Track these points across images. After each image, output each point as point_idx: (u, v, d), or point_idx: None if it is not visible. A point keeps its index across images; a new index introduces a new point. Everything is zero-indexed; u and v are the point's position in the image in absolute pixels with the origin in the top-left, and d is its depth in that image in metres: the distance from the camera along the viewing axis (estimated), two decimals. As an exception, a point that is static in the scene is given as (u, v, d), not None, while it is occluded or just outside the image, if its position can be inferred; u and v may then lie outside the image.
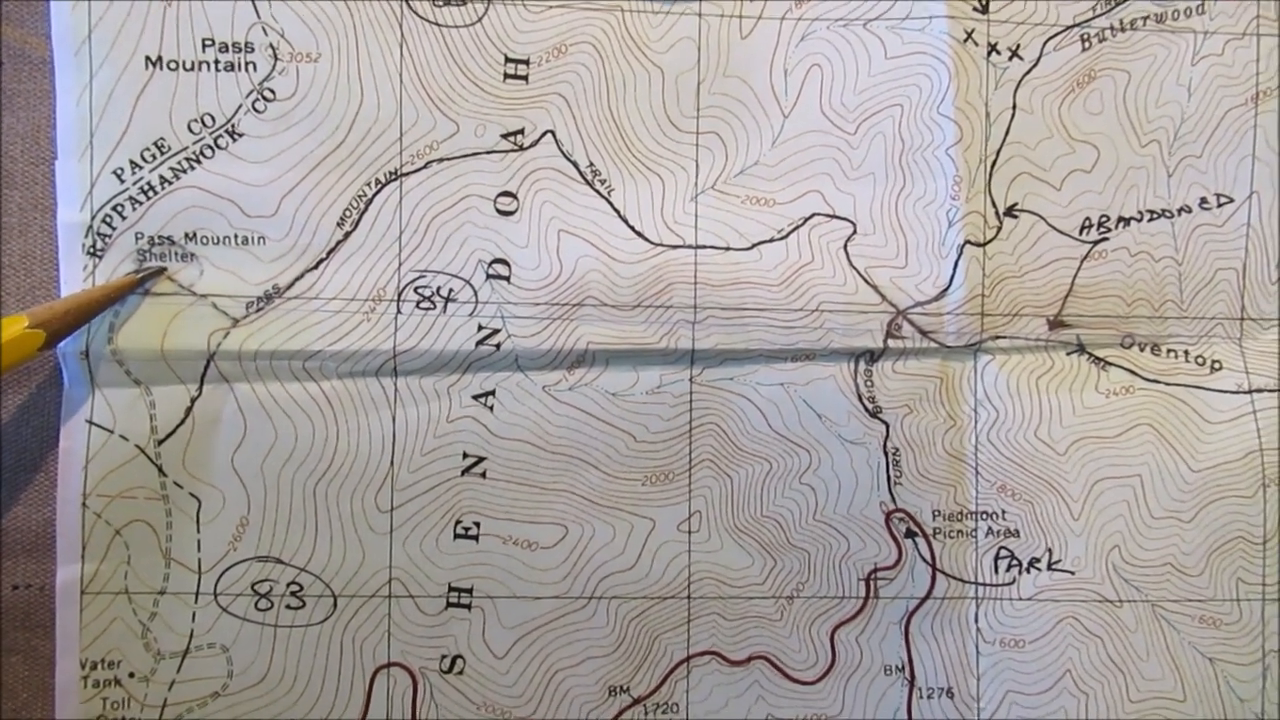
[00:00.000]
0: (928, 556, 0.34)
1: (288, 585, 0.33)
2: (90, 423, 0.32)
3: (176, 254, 0.31)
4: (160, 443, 0.32)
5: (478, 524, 0.33)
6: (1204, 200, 0.35)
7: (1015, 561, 0.34)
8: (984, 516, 0.34)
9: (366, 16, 0.32)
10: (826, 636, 0.34)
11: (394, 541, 0.33)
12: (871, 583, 0.34)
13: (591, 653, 0.33)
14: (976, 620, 0.34)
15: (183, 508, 0.32)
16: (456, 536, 0.33)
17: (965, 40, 0.34)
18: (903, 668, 0.34)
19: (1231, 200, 0.35)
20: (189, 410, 0.32)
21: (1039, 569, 0.34)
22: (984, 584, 0.34)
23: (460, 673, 0.33)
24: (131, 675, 0.32)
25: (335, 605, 0.33)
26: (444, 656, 0.33)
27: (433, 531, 0.33)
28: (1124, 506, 0.34)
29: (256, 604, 0.33)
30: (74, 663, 0.32)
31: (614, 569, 0.33)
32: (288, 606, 0.33)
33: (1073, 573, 0.34)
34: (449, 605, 0.33)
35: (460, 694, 0.33)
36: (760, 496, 0.34)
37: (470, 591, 0.33)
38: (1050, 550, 0.34)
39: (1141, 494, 0.34)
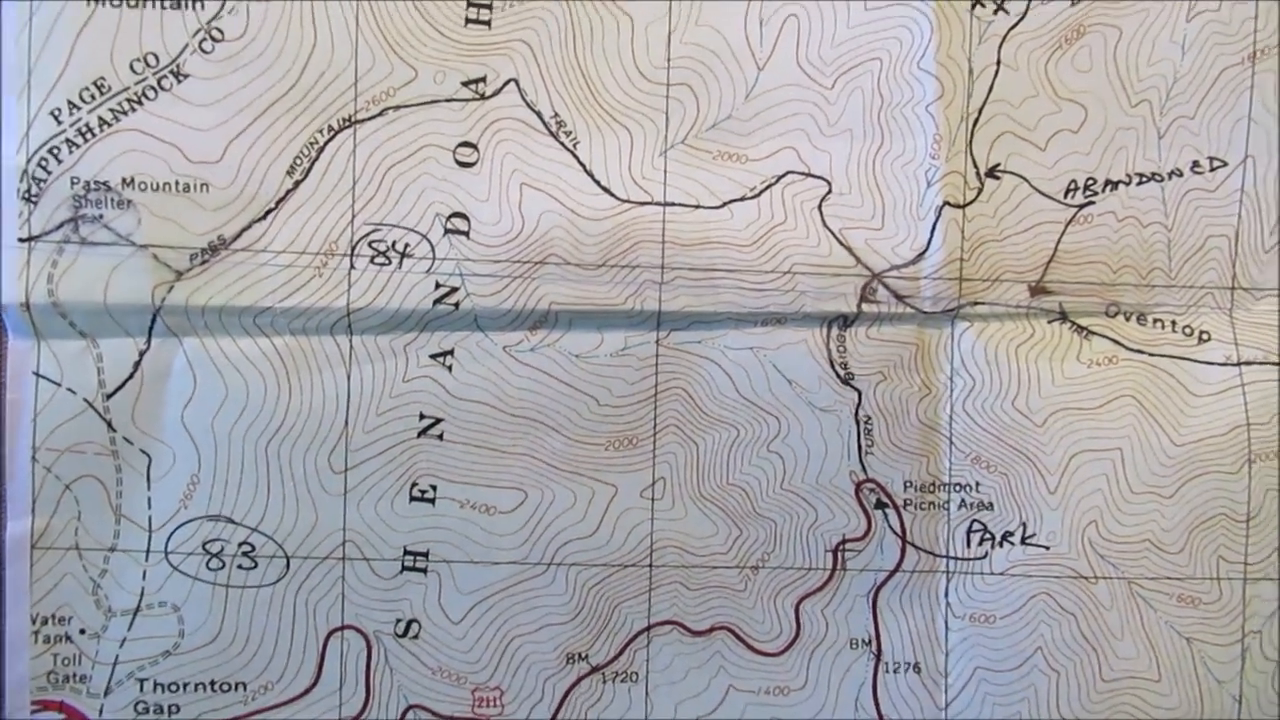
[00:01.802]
0: (898, 528, 0.31)
1: (239, 545, 0.30)
2: (37, 374, 0.29)
3: (113, 200, 0.28)
4: (109, 396, 0.29)
5: (434, 487, 0.30)
6: (1196, 164, 0.31)
7: (988, 535, 0.31)
8: (957, 488, 0.31)
9: (321, -45, 0.29)
10: (791, 608, 0.31)
11: (348, 503, 0.30)
12: (839, 554, 0.31)
13: (550, 620, 0.30)
14: (946, 595, 0.31)
15: (132, 464, 0.29)
16: (412, 499, 0.30)
17: (950, -10, 0.30)
18: (869, 641, 0.31)
19: (1225, 164, 0.31)
20: (137, 364, 0.29)
21: (1012, 543, 0.31)
22: (955, 558, 0.31)
23: (415, 637, 0.30)
24: (82, 632, 0.30)
25: (288, 566, 0.30)
26: (399, 620, 0.30)
27: (388, 493, 0.30)
28: (1103, 480, 0.31)
29: (208, 563, 0.30)
30: (24, 618, 0.30)
31: (574, 535, 0.30)
32: (239, 567, 0.30)
33: (1047, 548, 0.31)
34: (404, 569, 0.30)
35: (415, 658, 0.30)
36: (726, 464, 0.31)
37: (426, 555, 0.30)
38: (1024, 524, 0.31)
39: (1121, 468, 0.31)
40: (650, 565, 0.31)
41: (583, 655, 0.31)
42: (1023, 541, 0.31)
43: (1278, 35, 0.31)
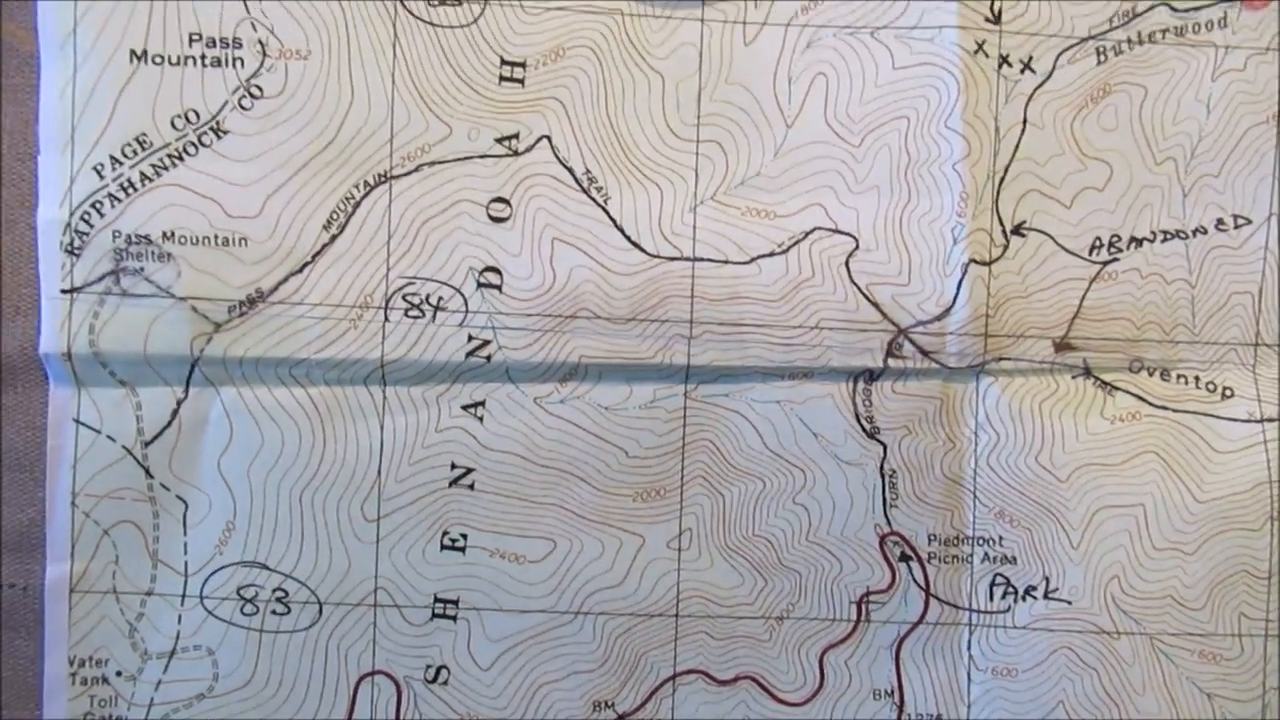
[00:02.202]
0: (921, 581, 0.31)
1: (273, 591, 0.30)
2: (77, 422, 0.29)
3: (153, 254, 0.28)
4: (147, 444, 0.29)
5: (465, 535, 0.30)
6: (1220, 221, 0.31)
7: (1011, 589, 0.31)
8: (980, 542, 0.31)
9: (359, 14, 0.29)
10: (815, 658, 0.31)
11: (380, 551, 0.30)
12: (863, 606, 0.31)
13: (577, 668, 0.30)
14: (969, 647, 0.31)
15: (169, 510, 0.29)
16: (443, 547, 0.30)
17: (976, 51, 0.30)
18: (892, 692, 0.31)
19: (1249, 222, 0.31)
20: (175, 413, 0.29)
21: (1035, 597, 0.31)
22: (978, 611, 0.31)
23: (445, 683, 0.30)
24: (119, 674, 0.30)
25: (320, 612, 0.30)
26: (429, 666, 0.30)
27: (419, 542, 0.30)
28: (1125, 536, 0.31)
29: (242, 608, 0.30)
30: (62, 660, 0.30)
31: (602, 585, 0.30)
32: (273, 612, 0.30)
33: (1070, 602, 0.31)
34: (434, 616, 0.30)
35: (444, 704, 0.30)
36: (752, 515, 0.31)
37: (456, 603, 0.30)
38: (1047, 578, 0.31)
39: (1144, 524, 0.31)
40: (676, 615, 0.31)
41: (609, 703, 0.31)
42: (1045, 596, 0.31)
43: (1303, 95, 0.31)
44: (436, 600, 0.30)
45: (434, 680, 0.30)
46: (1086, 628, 0.31)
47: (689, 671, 0.31)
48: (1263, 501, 0.31)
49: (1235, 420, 0.31)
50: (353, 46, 0.29)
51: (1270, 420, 0.31)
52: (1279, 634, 0.31)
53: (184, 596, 0.30)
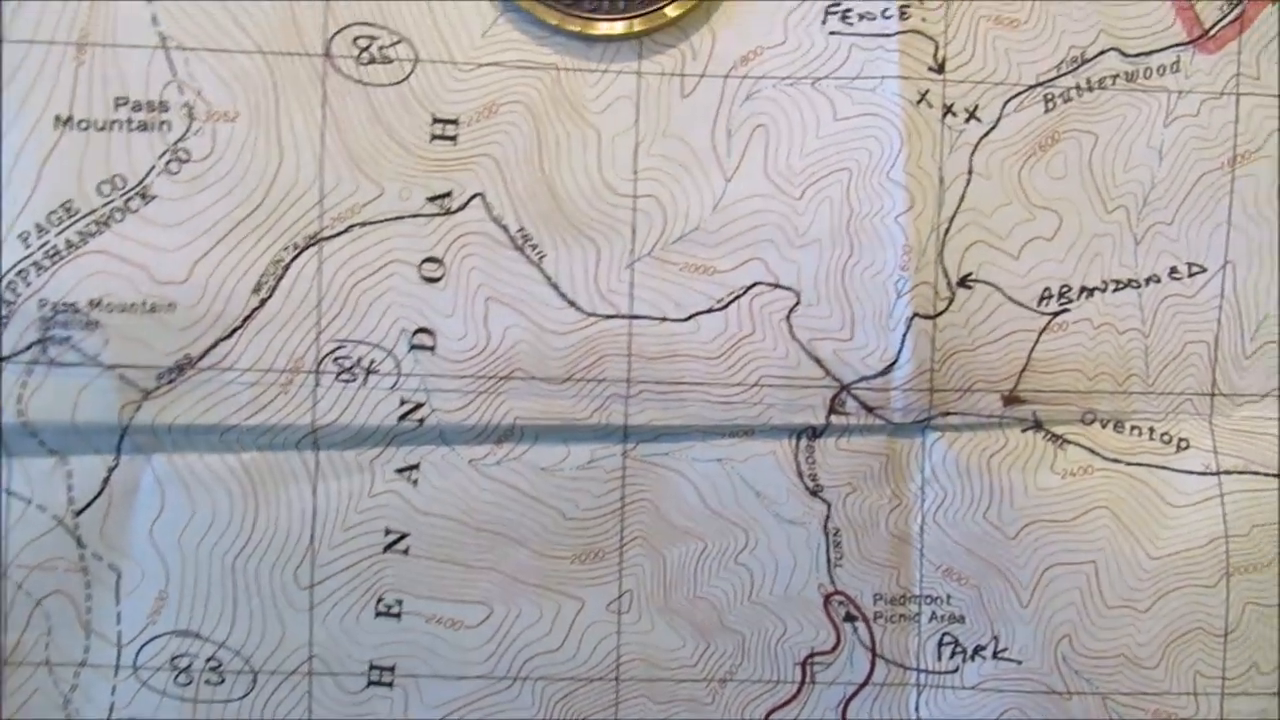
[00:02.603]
0: (867, 641, 0.30)
1: (207, 660, 0.29)
2: (8, 492, 0.29)
3: (80, 322, 0.28)
4: (78, 513, 0.29)
5: (400, 601, 0.29)
6: (1174, 270, 0.30)
7: (959, 648, 0.30)
8: (928, 601, 0.30)
9: (288, 74, 0.28)
10: (760, 721, 0.30)
11: (314, 618, 0.29)
12: (808, 667, 0.30)
13: (517, 733, 0.30)
14: (917, 708, 0.30)
15: (102, 579, 0.29)
16: (378, 614, 0.29)
17: (919, 101, 0.29)
18: (839, 755, 0.30)
19: (1204, 270, 0.30)
20: (106, 481, 0.29)
21: (984, 657, 0.30)
22: (926, 670, 0.30)
23: (383, 750, 0.30)
24: (55, 744, 0.29)
25: (255, 681, 0.29)
26: (369, 736, 0.30)
27: (354, 608, 0.29)
28: (1076, 594, 0.30)
29: (176, 678, 0.29)
30: (-2, 729, 0.29)
31: (540, 649, 0.30)
32: (207, 682, 0.29)
33: (1019, 662, 0.30)
34: (370, 684, 0.30)
35: (384, 771, 0.30)
36: (694, 576, 0.30)
37: (393, 670, 0.30)
38: (996, 638, 0.30)
39: (1095, 581, 0.30)
40: (617, 679, 0.30)
41: (550, 768, 0.30)
42: (994, 655, 0.30)
43: (1274, 136, 0.30)
44: (372, 668, 0.30)
45: (373, 748, 0.30)
46: (1037, 688, 0.30)
47: (632, 736, 0.30)
48: (1218, 557, 0.30)
49: (1190, 473, 0.31)
50: (281, 107, 0.28)
51: (1226, 473, 0.31)
52: (1237, 691, 0.30)
53: (117, 667, 0.29)
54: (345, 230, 0.29)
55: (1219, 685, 0.30)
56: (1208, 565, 0.30)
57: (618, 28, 0.29)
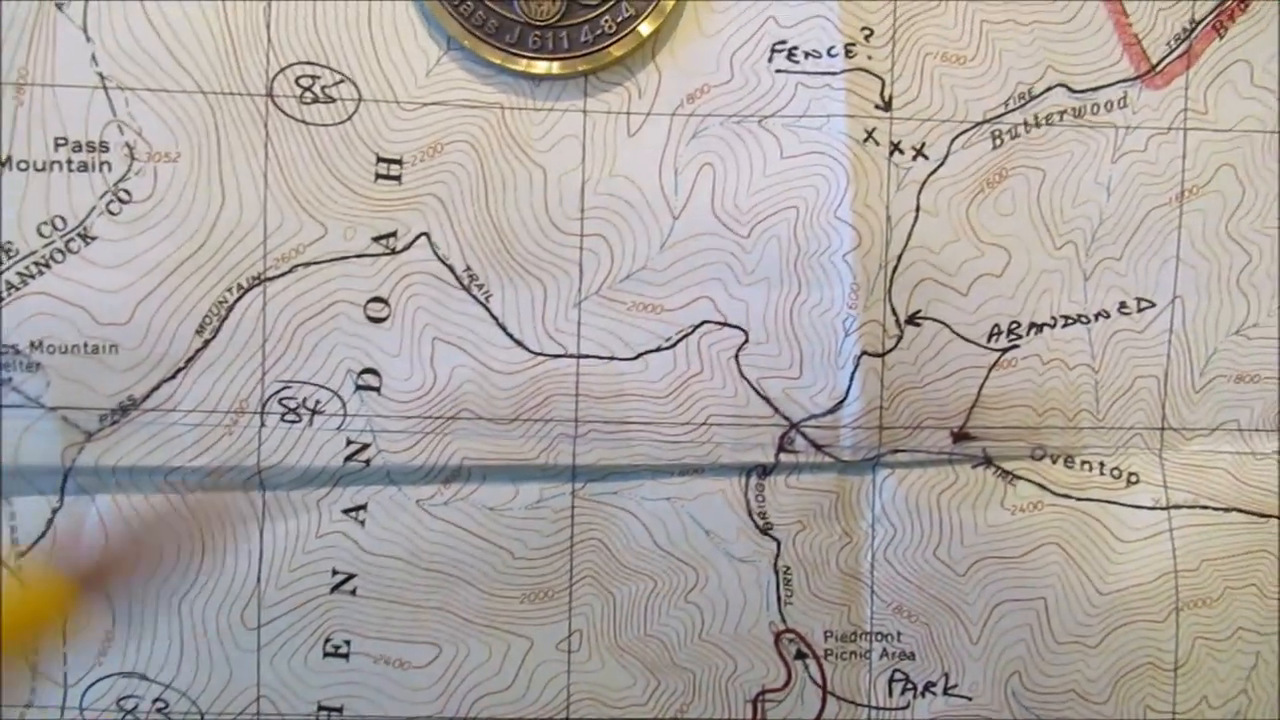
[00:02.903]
0: (818, 678, 0.30)
1: (153, 702, 0.29)
2: (-49, 532, 0.28)
3: (21, 364, 0.28)
4: (22, 555, 0.28)
5: (348, 641, 0.29)
6: (1123, 305, 0.30)
7: (910, 685, 0.30)
8: (879, 638, 0.30)
9: (229, 114, 0.28)
10: (711, 759, 0.30)
11: (261, 659, 0.29)
12: (759, 705, 0.30)
13: (467, 773, 0.30)
14: (868, 745, 0.30)
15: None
16: (326, 654, 0.29)
17: (865, 140, 0.29)
18: (790, 792, 0.30)
19: (1153, 304, 0.30)
20: (50, 522, 0.28)
21: (934, 693, 0.30)
22: (877, 707, 0.30)
23: (332, 791, 0.30)
24: (4, 784, 0.29)
25: (202, 722, 0.29)
26: (318, 775, 0.30)
27: (301, 649, 0.29)
28: (1026, 630, 0.30)
29: None
30: (-54, 769, 0.29)
31: (490, 689, 0.30)
32: (153, 723, 0.29)
33: (970, 698, 0.30)
34: (319, 724, 0.29)
35: (333, 811, 0.30)
36: (644, 615, 0.30)
37: (341, 711, 0.29)
38: (947, 674, 0.30)
39: (1045, 617, 0.30)
40: (567, 718, 0.30)
41: (500, 808, 0.30)
42: (945, 692, 0.30)
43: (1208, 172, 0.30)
44: (320, 709, 0.29)
45: (322, 788, 0.30)
46: (987, 725, 0.30)
47: (582, 775, 0.30)
48: (1167, 592, 0.30)
49: (1140, 508, 0.31)
50: (223, 147, 0.28)
51: (1176, 507, 0.31)
52: (1187, 727, 0.30)
53: (63, 708, 0.29)
54: (289, 270, 0.29)
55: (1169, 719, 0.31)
56: (1157, 600, 0.30)
57: (560, 68, 0.28)
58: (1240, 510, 0.31)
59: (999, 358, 0.30)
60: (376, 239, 0.29)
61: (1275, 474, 0.31)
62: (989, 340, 0.30)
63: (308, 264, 0.29)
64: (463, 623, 0.30)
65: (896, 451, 0.30)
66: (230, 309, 0.28)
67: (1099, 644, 0.30)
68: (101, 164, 0.28)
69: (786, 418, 0.30)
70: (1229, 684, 0.30)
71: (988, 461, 0.30)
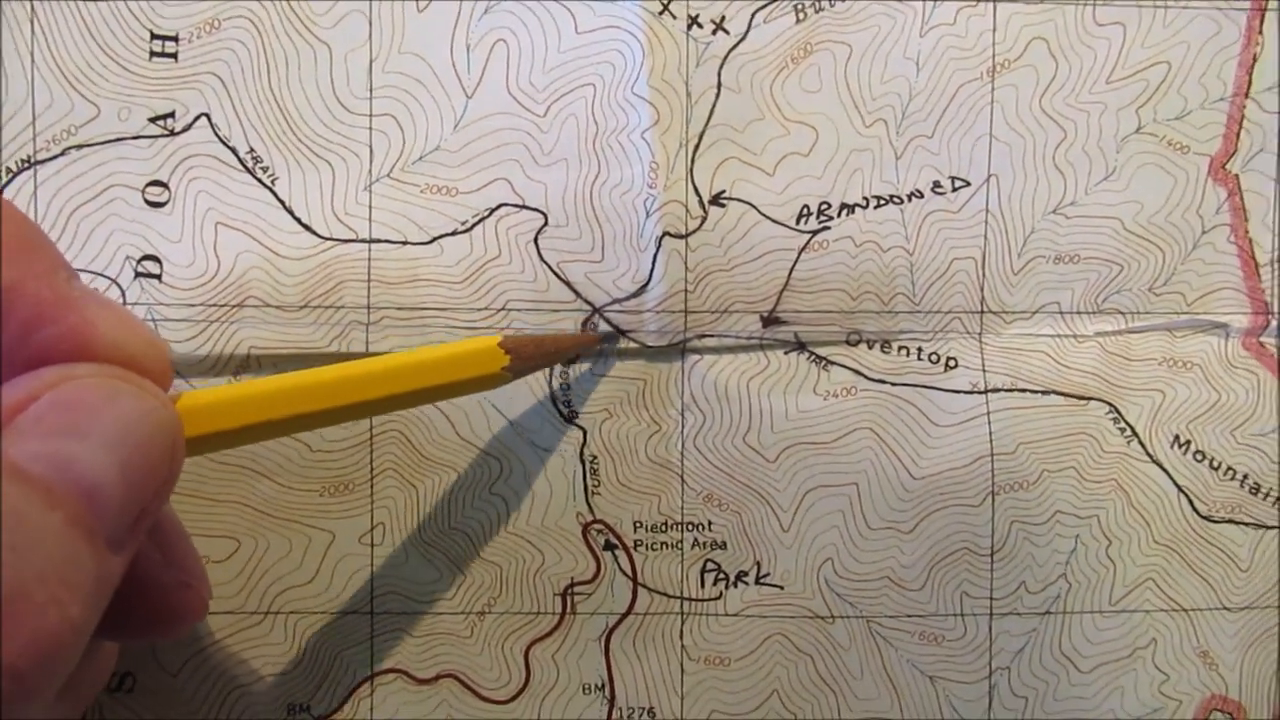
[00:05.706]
0: (628, 570, 0.29)
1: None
2: None
3: None
4: None
5: (140, 538, 0.28)
6: (937, 184, 0.29)
7: (722, 575, 0.29)
8: (690, 528, 0.29)
9: (-7, -11, 0.26)
10: (520, 654, 0.29)
11: (49, 557, 0.28)
12: (569, 597, 0.29)
13: (269, 670, 0.28)
14: (682, 637, 0.29)
15: None
16: (117, 552, 0.28)
17: (661, 12, 0.28)
18: (603, 686, 0.29)
19: (968, 184, 0.29)
20: None
21: (746, 583, 0.29)
22: (689, 599, 0.29)
23: (130, 691, 0.28)
24: None
25: None
26: (114, 674, 0.28)
27: (91, 547, 0.28)
28: (838, 517, 0.29)
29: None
30: None
31: (291, 583, 0.28)
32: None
33: (781, 587, 0.29)
34: (113, 623, 0.28)
35: (133, 713, 0.28)
36: (448, 508, 0.29)
37: (135, 609, 0.28)
38: (759, 563, 0.29)
39: (858, 503, 0.29)
40: (371, 612, 0.29)
41: (304, 706, 0.29)
42: (757, 581, 0.29)
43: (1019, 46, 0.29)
44: (112, 607, 0.28)
45: (119, 689, 0.28)
46: (800, 613, 0.29)
47: (387, 671, 0.29)
48: (983, 476, 0.29)
49: (957, 392, 0.29)
50: (-13, 24, 0.27)
51: (994, 391, 0.29)
52: (1005, 612, 0.29)
53: None
54: (62, 153, 0.27)
55: (987, 606, 0.29)
56: (972, 484, 0.29)
57: (334, -66, 0.27)
58: (1059, 393, 0.30)
59: (809, 240, 0.29)
60: (153, 120, 0.27)
61: (1095, 357, 0.30)
62: (798, 222, 0.29)
63: (80, 146, 0.27)
64: (261, 516, 0.28)
65: (704, 336, 0.29)
66: None
67: (913, 530, 0.29)
68: None
69: (589, 302, 0.28)
70: (1047, 569, 0.29)
71: (800, 347, 0.29)
